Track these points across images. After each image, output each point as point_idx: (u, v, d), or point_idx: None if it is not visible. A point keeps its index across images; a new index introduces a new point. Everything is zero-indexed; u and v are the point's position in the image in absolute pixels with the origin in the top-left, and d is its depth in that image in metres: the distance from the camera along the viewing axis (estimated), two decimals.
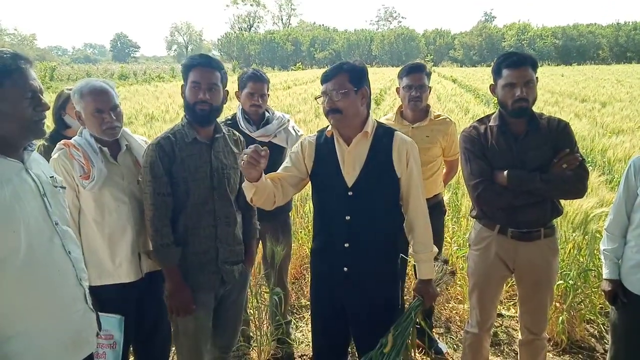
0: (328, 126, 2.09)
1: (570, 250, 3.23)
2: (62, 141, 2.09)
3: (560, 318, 3.02)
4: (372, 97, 2.11)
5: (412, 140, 2.07)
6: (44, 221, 1.44)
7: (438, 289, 2.16)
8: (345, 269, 2.04)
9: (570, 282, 3.04)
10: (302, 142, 2.15)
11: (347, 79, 1.95)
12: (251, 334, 3.03)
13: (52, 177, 1.56)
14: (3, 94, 1.34)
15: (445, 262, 2.23)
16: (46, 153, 2.50)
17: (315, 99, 2.10)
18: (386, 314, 2.05)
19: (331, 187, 2.05)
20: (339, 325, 2.13)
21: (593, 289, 3.21)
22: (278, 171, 2.12)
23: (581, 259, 3.21)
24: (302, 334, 3.30)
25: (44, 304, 1.42)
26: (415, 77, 2.80)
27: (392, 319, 2.04)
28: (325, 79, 2.00)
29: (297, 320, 3.48)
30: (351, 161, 2.01)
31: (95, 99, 2.03)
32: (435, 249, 2.08)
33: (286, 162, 2.15)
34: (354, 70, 1.97)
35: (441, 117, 2.91)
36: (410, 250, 2.08)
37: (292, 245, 3.46)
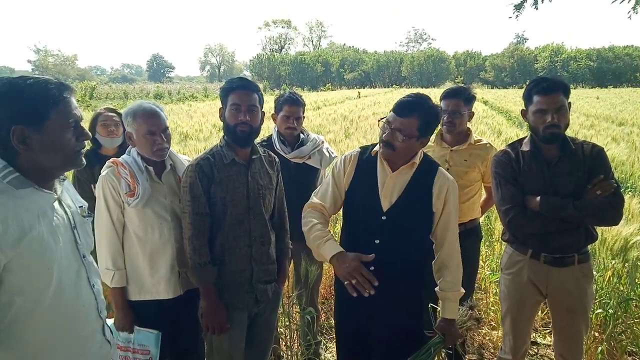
0: (375, 145, 2.07)
1: (609, 278, 3.13)
2: (111, 159, 2.18)
3: (600, 348, 2.91)
4: None
5: (454, 179, 2.05)
6: (73, 255, 1.43)
7: (460, 332, 2.12)
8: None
9: (610, 311, 2.94)
10: (345, 158, 2.13)
11: (416, 126, 1.89)
12: (281, 352, 3.04)
13: (81, 206, 1.54)
14: (49, 126, 1.32)
15: (472, 307, 2.19)
16: (80, 172, 2.61)
17: (378, 120, 2.03)
18: (408, 342, 2.02)
19: (365, 208, 2.05)
20: (363, 347, 2.12)
21: (635, 319, 3.10)
22: (320, 194, 2.13)
23: (621, 288, 3.11)
24: (332, 355, 3.28)
25: (67, 336, 1.41)
26: (450, 102, 2.79)
27: (414, 347, 2.00)
28: (398, 114, 1.92)
29: (327, 341, 3.48)
30: (391, 186, 2.01)
31: (148, 121, 2.11)
32: (462, 290, 2.04)
33: (330, 185, 2.12)
34: (427, 118, 1.91)
35: (482, 142, 2.88)
36: (437, 288, 2.04)
37: (323, 265, 3.48)
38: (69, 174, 3.07)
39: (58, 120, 1.33)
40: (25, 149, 1.30)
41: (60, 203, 1.42)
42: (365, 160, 2.09)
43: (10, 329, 1.29)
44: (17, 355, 1.31)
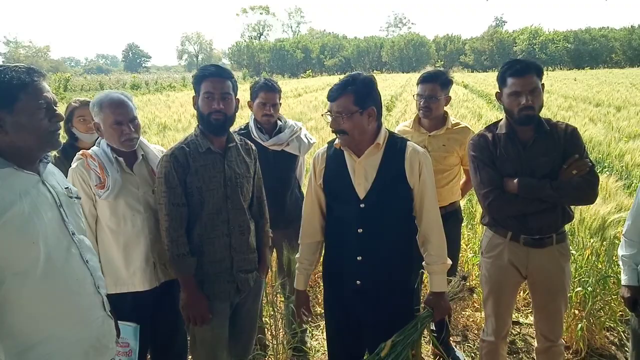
0: (336, 138, 2.05)
1: (588, 257, 3.18)
2: (81, 152, 2.12)
3: (579, 325, 2.97)
4: (383, 104, 2.07)
5: (425, 150, 2.04)
6: (61, 232, 1.47)
7: (453, 304, 2.12)
8: (358, 282, 2.02)
9: (589, 289, 2.99)
10: (314, 159, 2.14)
11: (351, 101, 1.89)
12: (267, 342, 3.03)
13: (67, 187, 1.59)
14: (20, 107, 1.38)
15: (464, 278, 2.20)
16: (58, 165, 2.52)
17: (322, 115, 2.06)
18: (399, 327, 2.02)
19: (343, 199, 2.03)
20: (353, 336, 2.12)
21: (612, 296, 3.16)
22: (305, 213, 2.16)
23: (600, 266, 3.16)
24: (318, 342, 3.28)
25: (64, 312, 1.45)
26: (425, 87, 2.76)
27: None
28: (330, 99, 1.95)
29: (312, 328, 3.47)
30: (362, 172, 1.99)
31: (114, 111, 2.05)
32: (449, 262, 2.03)
33: (311, 197, 2.14)
34: (358, 90, 1.90)
35: (459, 126, 2.86)
36: (423, 262, 2.05)
37: None
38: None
39: (28, 102, 1.39)
40: (0, 131, 1.38)
41: (43, 183, 1.47)
42: (332, 155, 2.08)
43: (1, 309, 1.35)
44: (10, 332, 1.36)
